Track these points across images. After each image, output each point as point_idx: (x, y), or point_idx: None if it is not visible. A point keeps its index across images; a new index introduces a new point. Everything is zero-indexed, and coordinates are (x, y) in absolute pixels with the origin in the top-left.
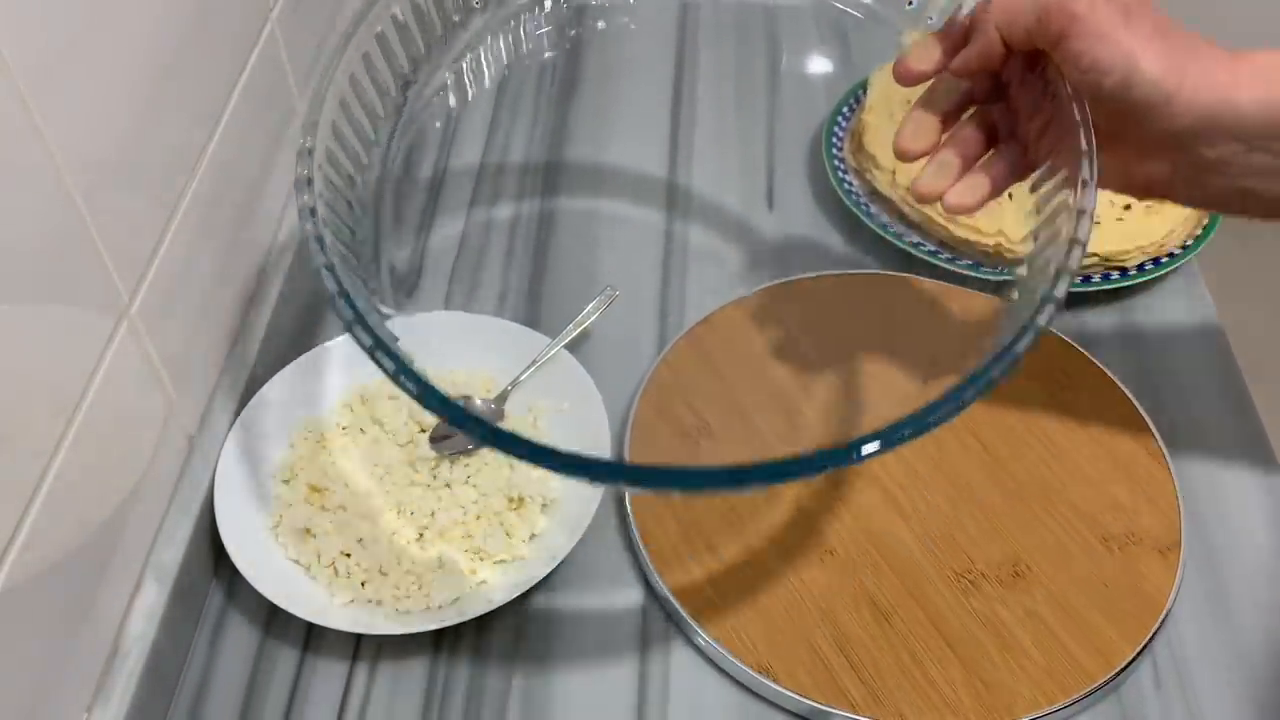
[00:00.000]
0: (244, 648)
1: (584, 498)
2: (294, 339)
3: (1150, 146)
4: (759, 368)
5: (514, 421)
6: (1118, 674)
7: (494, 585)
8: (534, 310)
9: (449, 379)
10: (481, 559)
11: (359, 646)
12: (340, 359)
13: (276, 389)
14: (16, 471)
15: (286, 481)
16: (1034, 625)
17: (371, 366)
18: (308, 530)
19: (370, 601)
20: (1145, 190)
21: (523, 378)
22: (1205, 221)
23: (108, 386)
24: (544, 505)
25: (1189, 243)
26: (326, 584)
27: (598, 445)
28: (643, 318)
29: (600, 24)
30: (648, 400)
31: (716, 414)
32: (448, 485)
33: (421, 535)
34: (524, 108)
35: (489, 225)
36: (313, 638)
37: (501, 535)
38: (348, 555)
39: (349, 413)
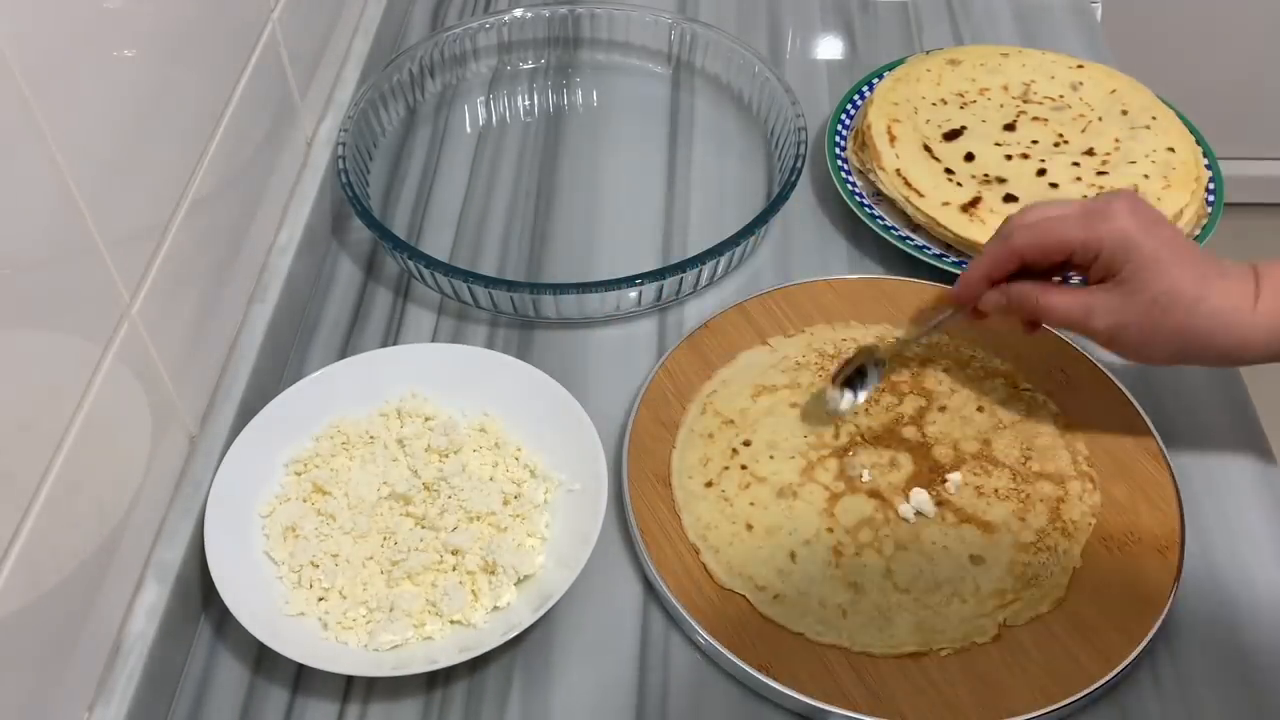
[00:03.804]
0: (246, 646)
1: (568, 562)
2: (294, 339)
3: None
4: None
5: (502, 451)
6: (1117, 674)
7: (437, 643)
8: (528, 335)
9: (445, 414)
10: (437, 614)
11: None
12: (378, 370)
13: (308, 388)
14: (18, 471)
15: (298, 474)
16: (1034, 625)
17: (407, 384)
18: (293, 529)
19: (318, 620)
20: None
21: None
22: (1205, 221)
23: (109, 386)
24: (519, 580)
25: None
26: (290, 588)
27: (593, 466)
28: (642, 323)
29: (597, 12)
30: (648, 407)
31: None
32: (435, 529)
33: (389, 571)
34: (519, 102)
35: (482, 232)
36: None
37: (465, 595)
38: (316, 565)
39: (382, 423)
